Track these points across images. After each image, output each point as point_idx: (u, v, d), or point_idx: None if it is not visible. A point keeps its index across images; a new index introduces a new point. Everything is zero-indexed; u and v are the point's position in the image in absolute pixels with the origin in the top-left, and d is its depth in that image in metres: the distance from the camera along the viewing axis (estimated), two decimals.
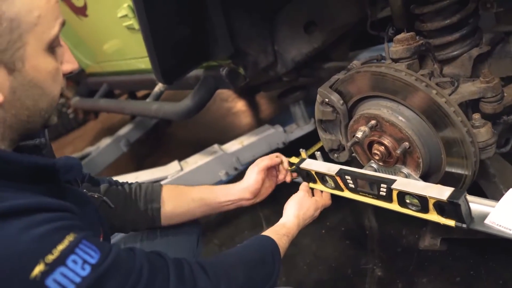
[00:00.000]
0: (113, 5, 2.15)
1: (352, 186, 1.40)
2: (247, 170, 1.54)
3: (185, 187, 1.53)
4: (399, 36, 1.33)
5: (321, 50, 2.00)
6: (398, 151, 1.31)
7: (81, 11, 2.59)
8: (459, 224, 1.13)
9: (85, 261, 0.76)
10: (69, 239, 0.76)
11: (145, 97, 3.83)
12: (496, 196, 1.37)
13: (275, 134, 2.61)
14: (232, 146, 2.66)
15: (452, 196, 1.10)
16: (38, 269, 0.70)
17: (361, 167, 1.51)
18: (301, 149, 1.66)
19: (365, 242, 1.96)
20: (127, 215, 1.40)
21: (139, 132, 4.13)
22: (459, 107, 1.21)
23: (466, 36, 1.37)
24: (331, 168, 1.45)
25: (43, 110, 0.89)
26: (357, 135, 1.37)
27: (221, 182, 2.73)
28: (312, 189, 1.54)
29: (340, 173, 1.41)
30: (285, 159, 1.61)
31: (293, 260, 2.05)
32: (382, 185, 1.28)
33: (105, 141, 3.95)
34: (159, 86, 2.48)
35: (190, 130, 4.41)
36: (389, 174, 1.41)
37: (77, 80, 3.85)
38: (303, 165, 1.54)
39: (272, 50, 1.92)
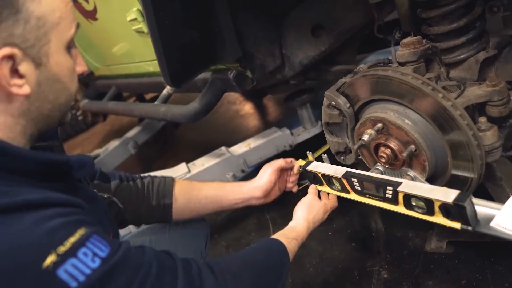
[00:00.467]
0: (123, 9, 2.18)
1: (359, 188, 1.41)
2: (260, 169, 1.57)
3: (197, 183, 1.55)
4: (405, 40, 1.34)
5: (328, 53, 2.01)
6: (404, 154, 1.32)
7: (91, 15, 2.62)
8: (465, 227, 1.14)
9: (95, 254, 0.79)
10: (80, 232, 0.79)
11: (153, 99, 3.86)
12: (503, 199, 1.37)
13: (282, 136, 2.62)
14: (240, 148, 2.67)
15: (457, 198, 1.11)
16: (50, 259, 0.73)
17: (368, 169, 1.52)
18: (308, 152, 1.67)
19: (371, 244, 1.97)
20: (139, 210, 1.43)
21: (147, 134, 4.16)
22: (465, 110, 1.22)
23: (472, 39, 1.37)
24: (337, 171, 1.46)
25: (63, 105, 0.95)
26: (363, 138, 1.38)
27: None
28: (319, 191, 1.55)
29: (347, 176, 1.42)
30: (296, 166, 1.62)
31: (299, 261, 2.06)
32: (388, 187, 1.29)
33: (114, 143, 3.97)
34: (167, 89, 2.50)
35: (198, 133, 4.43)
36: (395, 176, 1.42)
37: (86, 82, 3.88)
38: (309, 168, 1.55)
39: (279, 53, 1.94)
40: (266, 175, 1.51)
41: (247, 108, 4.55)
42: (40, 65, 0.86)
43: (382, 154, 1.40)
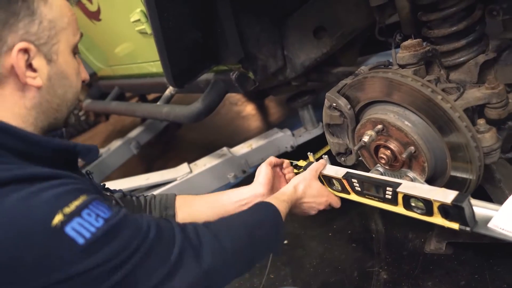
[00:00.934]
0: (126, 10, 2.20)
1: (359, 189, 1.42)
2: (256, 171, 1.56)
3: (197, 195, 1.57)
4: (406, 43, 1.36)
5: (330, 55, 2.02)
6: (404, 155, 1.33)
7: (95, 16, 2.64)
8: (463, 227, 1.15)
9: (98, 215, 0.86)
10: (82, 198, 0.86)
11: (155, 100, 3.88)
12: (502, 201, 1.37)
13: (284, 137, 2.64)
14: (241, 149, 2.69)
15: (456, 199, 1.12)
16: (58, 218, 0.80)
17: (368, 170, 1.53)
18: (308, 153, 1.68)
19: (371, 245, 1.98)
20: None
21: (149, 134, 4.18)
22: (464, 112, 1.23)
23: (472, 42, 1.39)
24: (338, 171, 1.47)
25: (69, 101, 1.05)
26: (364, 139, 1.40)
27: (229, 185, 2.76)
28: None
29: (347, 176, 1.43)
30: (285, 161, 1.64)
31: (300, 262, 2.07)
32: (387, 188, 1.30)
33: (116, 143, 3.99)
34: (170, 90, 2.52)
35: (200, 133, 4.45)
36: (395, 177, 1.43)
37: (89, 82, 3.90)
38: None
39: (281, 55, 1.95)
40: (262, 171, 1.52)
41: (249, 109, 4.57)
42: (51, 61, 0.98)
43: (382, 155, 1.42)
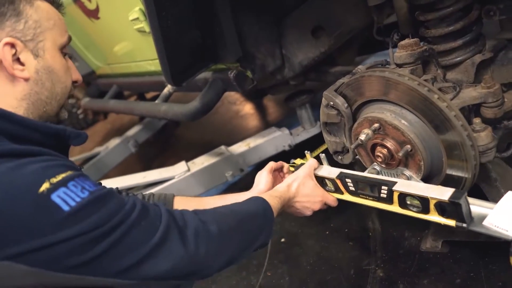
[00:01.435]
0: (125, 8, 2.20)
1: (353, 189, 1.42)
2: (255, 177, 1.56)
3: (196, 197, 1.59)
4: (403, 42, 1.37)
5: (328, 55, 2.04)
6: (400, 154, 1.34)
7: (93, 14, 2.65)
8: (460, 224, 1.16)
9: (83, 188, 0.91)
10: (69, 172, 0.92)
11: (154, 99, 3.88)
12: (497, 200, 1.39)
13: (282, 136, 2.65)
14: (239, 147, 2.70)
15: (453, 196, 1.13)
16: (45, 186, 0.86)
17: (364, 169, 1.54)
18: (306, 151, 1.69)
19: (368, 244, 1.99)
20: None
21: (147, 133, 4.19)
22: (460, 111, 1.24)
23: (469, 42, 1.40)
24: (331, 172, 1.47)
25: (58, 95, 1.14)
26: (360, 137, 1.41)
27: (227, 183, 2.77)
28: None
29: (341, 177, 1.43)
30: (285, 165, 1.65)
31: (297, 260, 2.08)
32: (383, 187, 1.31)
33: (114, 142, 4.00)
34: (168, 88, 2.52)
35: (198, 132, 4.46)
36: (391, 176, 1.44)
37: (88, 81, 3.90)
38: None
39: (280, 54, 1.96)
40: (263, 178, 1.53)
41: (247, 108, 4.57)
42: (38, 56, 1.08)
43: (378, 153, 1.43)
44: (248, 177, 2.92)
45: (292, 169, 1.64)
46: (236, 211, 1.20)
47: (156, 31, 1.56)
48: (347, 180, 1.41)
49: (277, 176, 1.63)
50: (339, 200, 1.52)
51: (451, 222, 1.18)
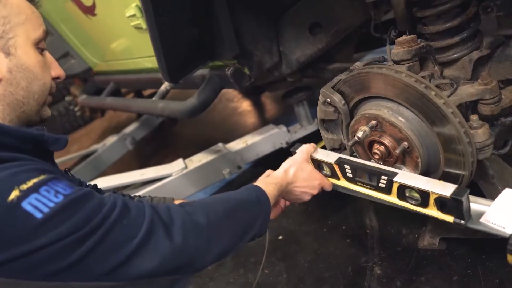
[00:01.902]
0: (122, 4, 2.19)
1: (350, 175, 1.41)
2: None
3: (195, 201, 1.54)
4: (400, 39, 1.36)
5: (326, 52, 2.03)
6: (398, 151, 1.34)
7: (90, 10, 2.64)
8: (458, 221, 1.16)
9: (57, 192, 0.87)
10: (42, 176, 0.87)
11: (151, 96, 3.88)
12: (494, 197, 1.39)
13: (279, 133, 2.64)
14: (236, 145, 2.69)
15: (455, 193, 1.12)
16: (14, 194, 0.81)
17: None
18: None
19: (365, 241, 1.99)
20: None
21: (145, 130, 4.18)
22: (458, 108, 1.24)
23: (466, 39, 1.39)
24: (329, 155, 1.45)
25: (36, 94, 1.07)
26: (358, 134, 1.40)
27: (225, 180, 2.77)
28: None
29: (339, 162, 1.42)
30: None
31: (294, 257, 2.08)
32: (383, 176, 1.30)
33: (111, 139, 3.99)
34: (165, 85, 2.52)
35: (196, 129, 4.45)
36: None
37: (85, 78, 3.89)
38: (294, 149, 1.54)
39: (277, 51, 1.95)
40: None
41: (245, 105, 4.57)
42: (9, 54, 1.02)
43: (376, 150, 1.42)
44: (245, 174, 2.92)
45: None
46: (226, 199, 1.16)
47: (152, 27, 1.55)
48: (346, 166, 1.40)
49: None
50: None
51: (449, 218, 1.18)
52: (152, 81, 2.74)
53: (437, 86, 1.29)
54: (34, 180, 0.85)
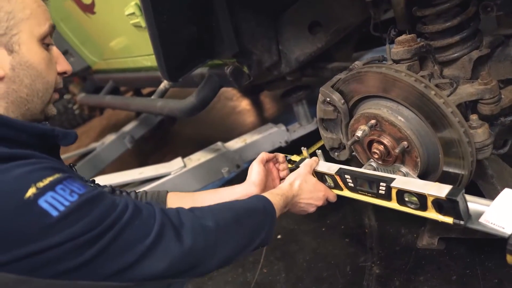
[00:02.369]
0: (121, 3, 2.19)
1: (352, 185, 1.42)
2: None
3: (190, 192, 1.55)
4: (400, 38, 1.36)
5: (325, 51, 2.02)
6: (397, 150, 1.34)
7: (89, 9, 2.63)
8: (457, 221, 1.15)
9: (72, 191, 0.87)
10: (58, 175, 0.88)
11: (150, 94, 3.87)
12: (494, 197, 1.39)
13: (278, 132, 2.64)
14: (235, 143, 2.69)
15: (450, 193, 1.12)
16: (31, 191, 0.82)
17: (361, 165, 1.53)
18: (302, 148, 1.68)
19: (364, 240, 1.99)
20: None
21: (143, 129, 4.17)
22: (457, 108, 1.24)
23: (466, 38, 1.39)
24: (331, 168, 1.47)
25: (40, 92, 1.05)
26: (357, 134, 1.40)
27: (224, 179, 2.77)
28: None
29: (340, 173, 1.43)
30: (280, 155, 1.62)
31: (293, 256, 2.08)
32: (381, 183, 1.30)
33: (110, 137, 3.99)
34: (164, 84, 2.52)
35: (195, 128, 4.45)
36: (388, 173, 1.44)
37: (83, 76, 3.89)
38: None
39: (276, 50, 1.95)
40: (253, 169, 1.50)
41: (244, 104, 4.56)
42: (12, 51, 0.99)
43: (375, 150, 1.42)
44: (244, 173, 2.91)
45: (290, 165, 1.63)
46: (234, 207, 1.17)
47: (152, 26, 1.55)
48: (346, 176, 1.41)
49: (271, 167, 1.60)
50: (337, 196, 1.52)
51: (449, 220, 1.17)
52: (151, 80, 2.74)
53: (436, 85, 1.29)
54: (50, 179, 0.85)
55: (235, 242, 1.09)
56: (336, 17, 1.92)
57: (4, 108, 1.00)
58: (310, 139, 2.42)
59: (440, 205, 1.17)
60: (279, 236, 2.25)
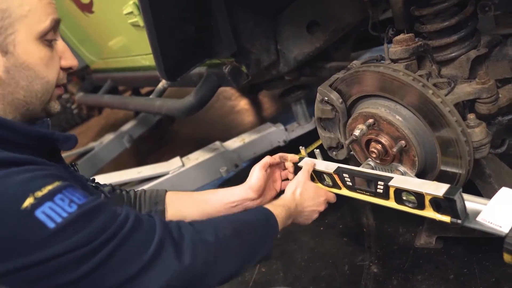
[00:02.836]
0: (119, 2, 2.19)
1: (350, 184, 1.42)
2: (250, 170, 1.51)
3: (188, 191, 1.53)
4: (398, 37, 1.36)
5: (323, 50, 2.03)
6: (395, 150, 1.34)
7: (87, 8, 2.63)
8: (455, 220, 1.15)
9: (72, 201, 0.84)
10: (57, 183, 0.84)
11: (149, 94, 3.88)
12: (491, 196, 1.40)
13: (276, 132, 2.64)
14: (234, 143, 2.69)
15: (448, 192, 1.13)
16: (28, 201, 0.79)
17: (359, 164, 1.54)
18: (300, 147, 1.68)
19: (362, 240, 1.99)
20: None
21: (142, 128, 4.17)
22: (455, 107, 1.24)
23: (464, 38, 1.39)
24: (329, 166, 1.47)
25: (39, 92, 0.99)
26: (355, 133, 1.40)
27: (222, 179, 2.77)
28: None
29: (338, 171, 1.43)
30: (290, 156, 1.57)
31: (291, 256, 2.08)
32: (379, 182, 1.31)
33: (108, 137, 3.99)
34: (162, 83, 2.51)
35: (193, 128, 4.45)
36: (385, 172, 1.44)
37: (82, 76, 3.89)
38: (301, 163, 1.56)
39: (275, 49, 1.95)
40: (254, 173, 1.47)
41: (243, 103, 4.57)
42: (7, 53, 0.92)
43: (373, 149, 1.42)
44: (242, 172, 2.92)
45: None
46: (235, 221, 1.13)
47: (150, 25, 1.55)
48: (345, 175, 1.41)
49: (276, 171, 1.57)
50: (336, 196, 1.52)
51: (446, 218, 1.17)
52: (150, 79, 2.74)
53: (434, 85, 1.29)
54: (49, 187, 0.82)
55: (236, 258, 1.06)
56: (334, 17, 1.93)
57: (1, 110, 0.96)
58: (308, 138, 2.43)
59: (437, 204, 1.17)
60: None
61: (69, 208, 0.82)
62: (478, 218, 1.12)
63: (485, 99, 1.24)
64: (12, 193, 0.79)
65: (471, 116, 1.24)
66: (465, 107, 1.33)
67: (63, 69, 1.04)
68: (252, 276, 2.03)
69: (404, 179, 1.27)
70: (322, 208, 1.43)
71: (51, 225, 0.79)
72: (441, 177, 1.35)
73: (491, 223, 1.09)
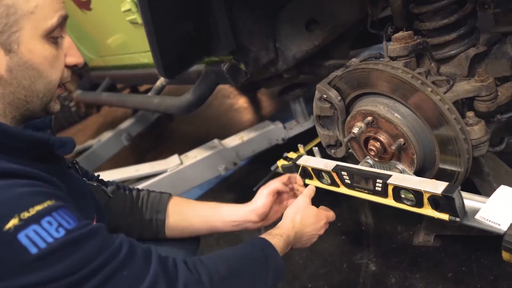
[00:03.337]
0: None
1: (348, 182, 1.42)
2: (257, 192, 1.49)
3: (192, 201, 1.50)
4: (397, 35, 1.36)
5: (322, 48, 2.02)
6: (393, 147, 1.34)
7: (85, 5, 2.62)
8: (453, 218, 1.16)
9: (60, 225, 0.78)
10: (48, 203, 0.79)
11: (147, 91, 3.87)
12: (490, 194, 1.40)
13: (275, 130, 2.63)
14: (232, 141, 2.68)
15: (446, 190, 1.13)
16: (12, 222, 0.73)
17: (358, 162, 1.53)
18: (299, 145, 1.68)
19: (360, 238, 1.99)
20: (132, 221, 1.39)
21: (140, 126, 4.16)
22: (454, 105, 1.24)
23: (463, 36, 1.39)
24: (327, 164, 1.47)
25: (41, 92, 0.95)
26: (353, 131, 1.40)
27: (220, 177, 2.76)
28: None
29: (337, 169, 1.43)
30: (299, 180, 1.54)
31: (289, 254, 2.05)
32: (377, 180, 1.31)
33: (107, 135, 3.97)
34: (160, 81, 2.50)
35: (192, 126, 4.44)
36: (384, 169, 1.44)
37: (80, 73, 3.87)
38: (299, 161, 1.56)
39: (273, 47, 1.95)
40: (262, 198, 1.44)
41: (241, 101, 4.56)
42: (10, 51, 0.88)
43: (371, 147, 1.42)
44: (241, 170, 2.92)
45: (286, 162, 1.62)
46: (230, 256, 1.09)
47: (148, 22, 1.54)
48: (343, 173, 1.41)
49: (284, 197, 1.54)
50: (332, 194, 1.52)
51: (445, 216, 1.18)
52: (148, 77, 2.73)
53: (433, 82, 1.29)
54: (38, 208, 0.77)
55: None
56: (333, 15, 1.92)
57: (2, 109, 0.92)
58: (307, 136, 2.42)
59: (436, 202, 1.17)
60: None
61: (56, 233, 0.77)
62: (477, 216, 1.12)
63: (484, 97, 1.24)
64: None
65: (470, 114, 1.24)
66: (464, 105, 1.32)
67: (67, 66, 1.01)
68: None
69: (403, 177, 1.27)
70: (322, 231, 1.39)
71: (33, 250, 0.74)
72: (440, 175, 1.35)
73: (490, 221, 1.09)
